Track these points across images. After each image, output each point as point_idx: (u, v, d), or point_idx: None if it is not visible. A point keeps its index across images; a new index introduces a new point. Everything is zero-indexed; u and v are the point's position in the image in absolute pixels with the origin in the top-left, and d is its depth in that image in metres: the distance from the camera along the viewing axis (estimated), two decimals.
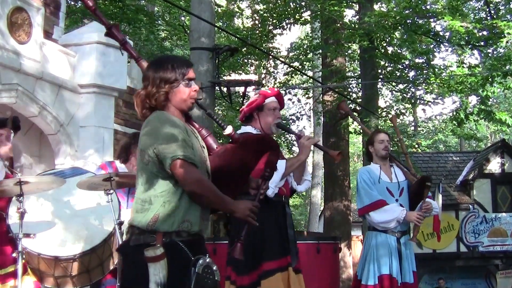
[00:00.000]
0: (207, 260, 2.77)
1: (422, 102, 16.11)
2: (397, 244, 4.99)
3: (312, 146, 4.22)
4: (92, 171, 5.06)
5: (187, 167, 2.71)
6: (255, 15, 17.32)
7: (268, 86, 20.25)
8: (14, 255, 4.08)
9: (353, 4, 15.23)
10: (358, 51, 15.63)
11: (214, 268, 2.78)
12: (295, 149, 17.38)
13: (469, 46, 13.55)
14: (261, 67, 18.36)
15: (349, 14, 18.17)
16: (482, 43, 12.88)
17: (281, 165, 3.88)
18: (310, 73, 20.03)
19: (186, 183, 2.73)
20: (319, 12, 14.40)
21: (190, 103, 2.92)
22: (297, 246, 4.14)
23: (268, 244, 3.90)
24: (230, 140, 3.03)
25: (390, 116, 14.98)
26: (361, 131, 14.96)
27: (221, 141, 11.56)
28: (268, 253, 3.88)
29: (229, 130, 2.99)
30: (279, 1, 15.36)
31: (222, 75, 13.72)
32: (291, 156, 4.57)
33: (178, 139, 2.76)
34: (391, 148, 5.92)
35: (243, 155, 3.00)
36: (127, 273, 2.85)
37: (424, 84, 14.81)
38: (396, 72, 14.31)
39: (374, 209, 5.01)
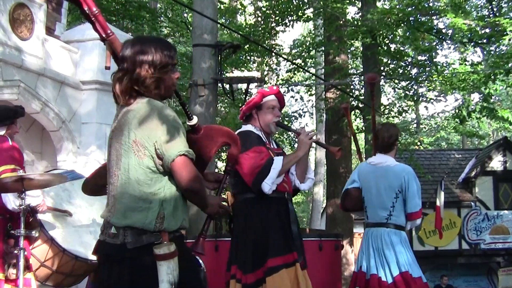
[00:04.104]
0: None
1: (425, 99, 16.08)
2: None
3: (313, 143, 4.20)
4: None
5: (189, 163, 2.53)
6: (258, 12, 17.28)
7: (270, 83, 20.26)
8: (15, 252, 4.08)
9: (356, 1, 15.19)
10: (361, 48, 15.60)
11: None
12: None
13: (472, 44, 13.54)
14: (264, 64, 18.30)
15: (352, 11, 18.18)
16: (484, 41, 12.84)
17: (278, 161, 3.88)
18: (312, 70, 19.99)
19: (187, 180, 2.52)
20: (321, 9, 14.38)
21: (172, 90, 2.69)
22: (302, 242, 4.10)
23: (272, 240, 3.87)
24: (192, 130, 2.89)
25: (392, 113, 14.97)
26: (363, 128, 14.95)
27: None
28: (273, 250, 3.84)
29: (194, 120, 2.87)
30: None
31: (224, 72, 13.73)
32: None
33: (180, 133, 2.55)
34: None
35: (203, 146, 2.87)
36: (133, 279, 2.54)
37: (426, 82, 14.79)
38: (399, 69, 14.26)
39: None
